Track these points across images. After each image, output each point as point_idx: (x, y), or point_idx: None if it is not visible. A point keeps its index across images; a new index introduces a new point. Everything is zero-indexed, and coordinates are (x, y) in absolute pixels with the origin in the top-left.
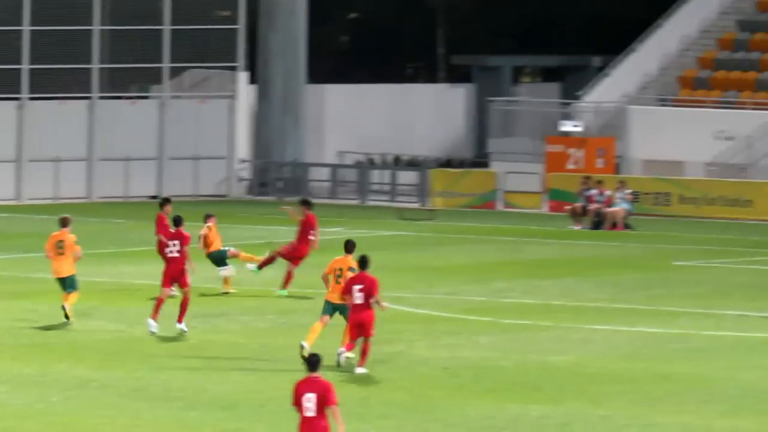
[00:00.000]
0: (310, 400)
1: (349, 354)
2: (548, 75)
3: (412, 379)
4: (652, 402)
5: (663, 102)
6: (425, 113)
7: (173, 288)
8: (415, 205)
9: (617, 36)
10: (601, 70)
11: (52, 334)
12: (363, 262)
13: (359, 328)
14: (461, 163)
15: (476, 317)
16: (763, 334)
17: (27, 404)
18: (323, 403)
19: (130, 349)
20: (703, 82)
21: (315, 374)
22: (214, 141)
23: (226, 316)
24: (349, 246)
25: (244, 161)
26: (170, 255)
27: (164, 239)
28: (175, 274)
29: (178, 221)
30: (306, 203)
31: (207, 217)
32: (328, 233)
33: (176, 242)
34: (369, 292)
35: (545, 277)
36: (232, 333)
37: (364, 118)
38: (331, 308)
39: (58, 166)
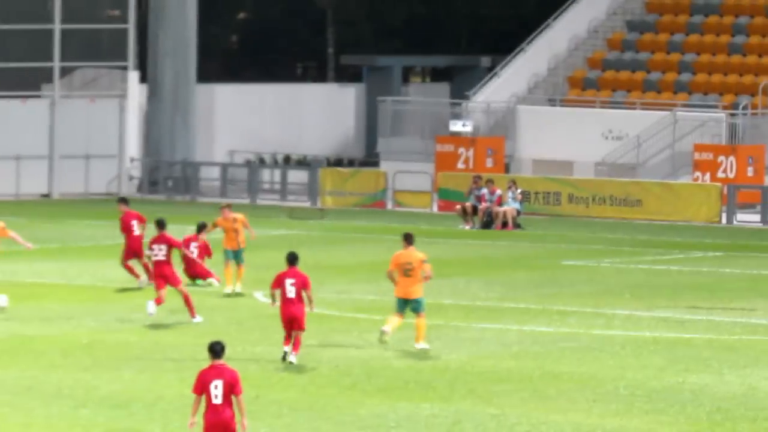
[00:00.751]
0: (217, 387)
1: (287, 348)
2: (438, 75)
3: (303, 378)
4: (542, 400)
5: (552, 102)
6: (315, 112)
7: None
8: (306, 205)
9: (507, 36)
10: (490, 70)
11: None
12: (292, 259)
13: (292, 323)
14: (351, 163)
15: (367, 316)
16: (651, 334)
17: None
18: (230, 390)
19: (22, 347)
20: (592, 82)
21: (220, 362)
22: (104, 139)
23: (117, 314)
24: (409, 238)
25: (134, 160)
26: (156, 259)
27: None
28: (165, 276)
29: (161, 224)
30: (123, 201)
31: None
32: (217, 233)
33: (162, 246)
34: (302, 286)
35: (435, 276)
36: (123, 332)
37: (254, 117)
38: (402, 304)
39: None
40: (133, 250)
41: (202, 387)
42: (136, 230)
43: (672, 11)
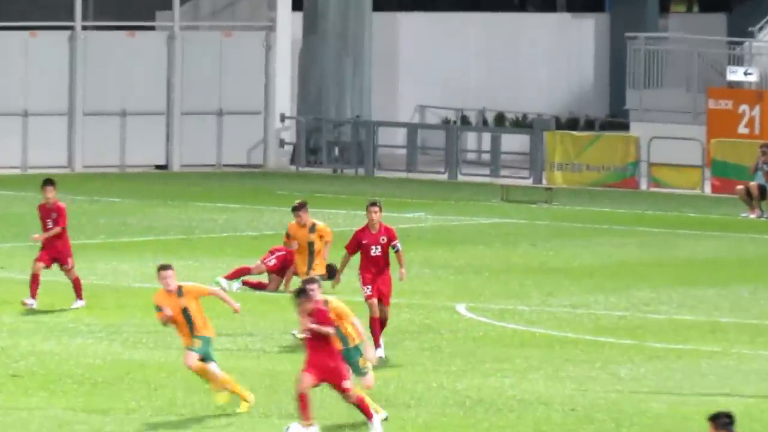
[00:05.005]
0: None
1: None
2: (710, 2)
3: (527, 425)
4: None
5: None
6: (539, 54)
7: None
8: (525, 182)
9: None
10: None
11: None
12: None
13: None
14: (590, 124)
15: (612, 339)
16: None
17: None
18: None
19: (129, 378)
20: None
21: None
22: (244, 90)
23: (258, 330)
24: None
25: (286, 118)
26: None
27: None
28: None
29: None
30: (49, 183)
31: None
32: (404, 220)
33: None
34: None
35: (708, 284)
36: (263, 356)
37: (452, 60)
38: None
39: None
40: (50, 255)
41: None
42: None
43: None
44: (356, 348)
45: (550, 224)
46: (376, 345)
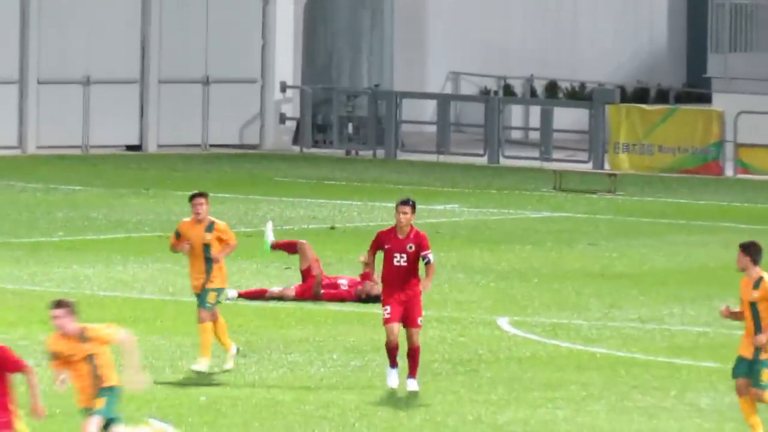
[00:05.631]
0: None
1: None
2: None
3: None
4: None
5: None
6: (600, 10)
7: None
8: (583, 167)
9: None
10: None
11: None
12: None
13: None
14: (662, 95)
15: (690, 361)
16: None
17: None
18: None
19: (273, 421)
20: None
21: None
22: (236, 54)
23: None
24: (752, 250)
25: (288, 88)
26: None
27: None
28: None
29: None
30: None
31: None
32: (433, 213)
33: None
34: None
35: None
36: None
37: (493, 17)
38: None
39: None
40: None
41: None
42: None
43: None
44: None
45: (614, 219)
46: (411, 375)
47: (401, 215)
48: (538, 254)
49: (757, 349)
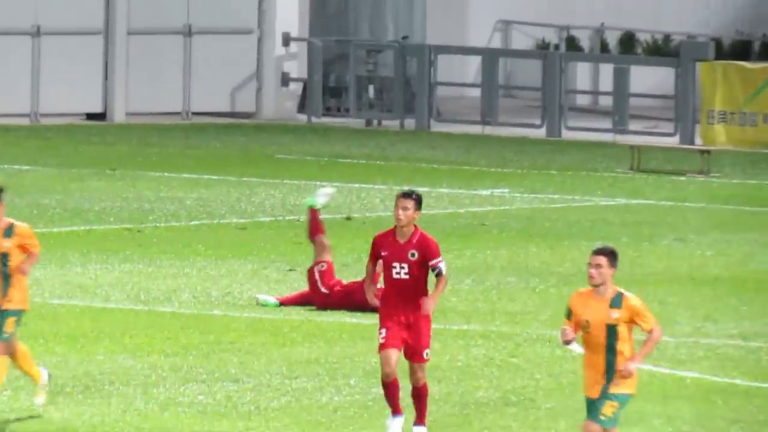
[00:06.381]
0: None
1: None
2: None
3: None
4: None
5: None
6: None
7: None
8: (668, 142)
9: None
10: None
11: None
12: None
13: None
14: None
15: None
16: None
17: None
18: None
19: None
20: None
21: None
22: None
23: None
24: None
25: (292, 41)
26: None
27: None
28: None
29: None
30: None
31: None
32: (477, 200)
33: None
34: None
35: None
36: None
37: None
38: None
39: None
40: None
41: None
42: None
43: None
44: None
45: (707, 207)
46: (418, 422)
47: (400, 211)
48: None
49: None
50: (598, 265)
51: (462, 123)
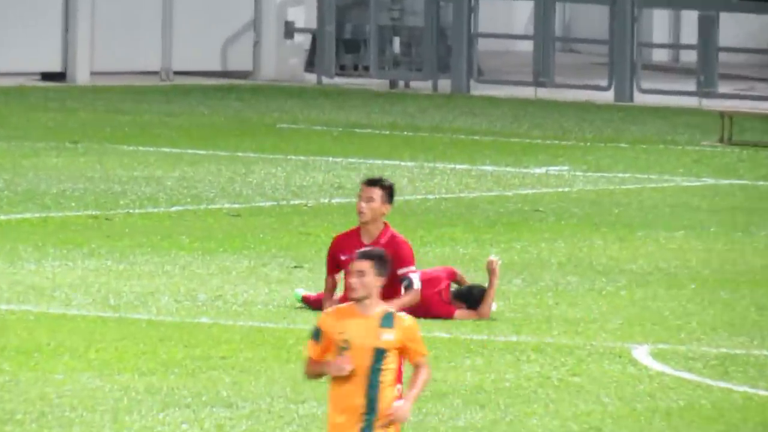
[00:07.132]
0: None
1: None
2: None
3: None
4: None
5: None
6: None
7: None
8: (767, 107)
9: None
10: None
11: None
12: None
13: None
14: None
15: None
16: None
17: None
18: None
19: None
20: None
21: None
22: None
23: None
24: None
25: None
26: None
27: None
28: None
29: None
30: None
31: None
32: (529, 180)
33: None
34: None
35: None
36: None
37: None
38: None
39: None
40: None
41: None
42: None
43: None
44: None
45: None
46: None
47: (363, 203)
48: (695, 245)
49: None
50: (361, 272)
51: (509, 84)
